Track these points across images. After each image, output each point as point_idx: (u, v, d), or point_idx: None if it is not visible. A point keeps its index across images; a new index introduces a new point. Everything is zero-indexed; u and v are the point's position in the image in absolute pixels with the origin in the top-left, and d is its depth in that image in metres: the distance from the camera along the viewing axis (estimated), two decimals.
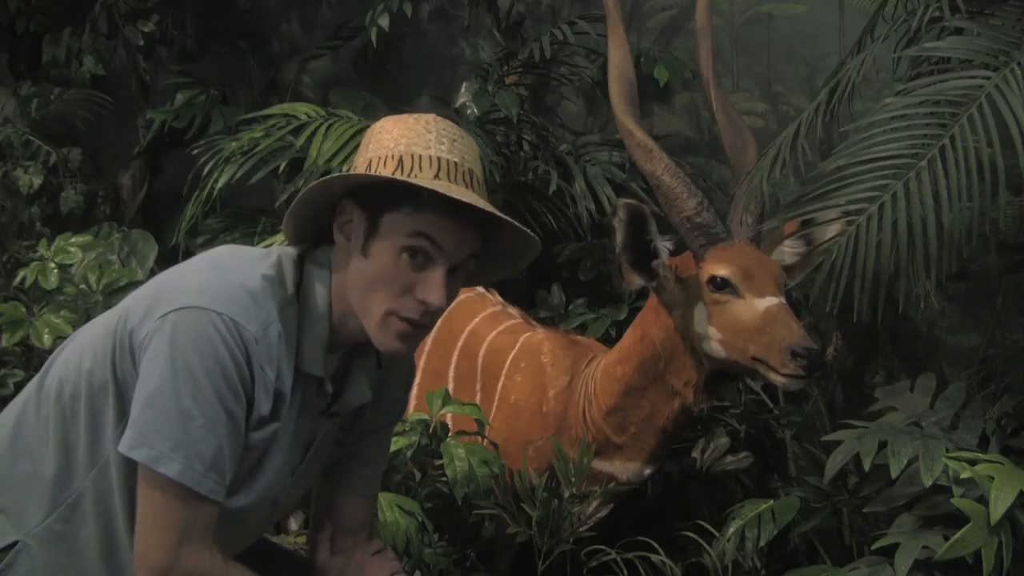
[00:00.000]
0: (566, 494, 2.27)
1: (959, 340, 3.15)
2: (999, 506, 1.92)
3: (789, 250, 2.30)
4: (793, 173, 2.98)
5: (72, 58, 3.89)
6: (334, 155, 2.93)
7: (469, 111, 3.43)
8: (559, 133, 3.51)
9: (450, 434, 2.30)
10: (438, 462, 2.25)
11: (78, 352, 1.49)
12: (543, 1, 3.99)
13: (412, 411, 2.35)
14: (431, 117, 1.49)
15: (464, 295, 2.63)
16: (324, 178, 1.46)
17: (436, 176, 1.41)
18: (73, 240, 3.34)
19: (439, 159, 1.43)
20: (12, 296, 3.16)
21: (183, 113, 3.81)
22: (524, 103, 3.42)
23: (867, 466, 2.13)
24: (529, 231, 1.50)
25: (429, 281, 1.43)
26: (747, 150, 2.42)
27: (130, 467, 1.40)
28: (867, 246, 1.92)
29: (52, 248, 3.27)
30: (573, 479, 2.27)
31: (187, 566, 1.38)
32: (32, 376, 1.66)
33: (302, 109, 3.21)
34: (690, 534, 2.35)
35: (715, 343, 2.18)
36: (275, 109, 3.28)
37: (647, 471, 2.39)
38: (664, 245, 2.22)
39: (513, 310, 2.71)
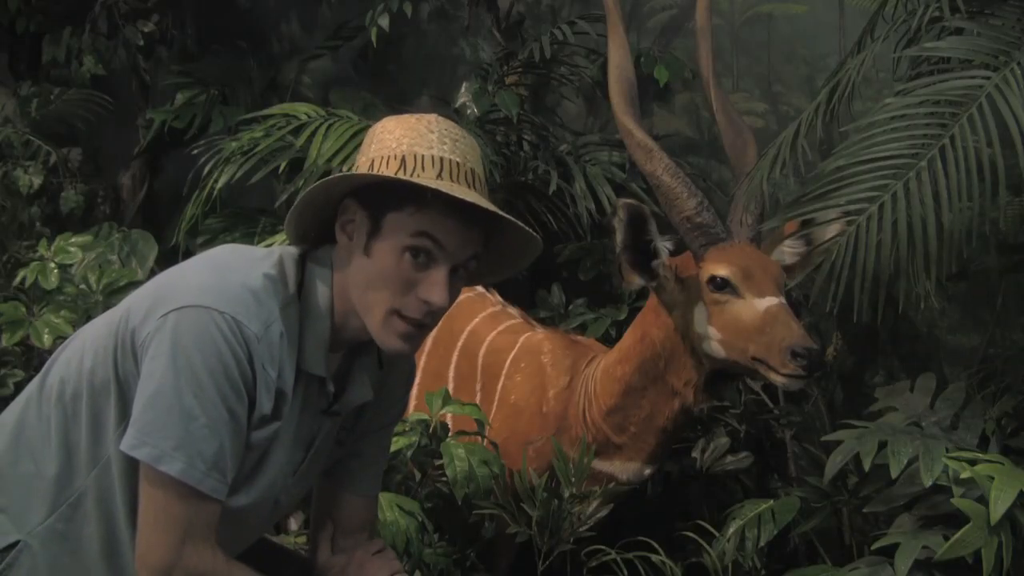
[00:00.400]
0: (566, 494, 2.27)
1: (959, 340, 3.15)
2: (999, 506, 1.92)
3: (789, 250, 2.30)
4: (793, 173, 2.98)
5: (72, 58, 3.89)
6: (334, 155, 2.93)
7: (469, 111, 3.43)
8: (559, 133, 3.51)
9: (450, 434, 2.30)
10: (438, 462, 2.25)
11: (79, 352, 1.49)
12: (543, 1, 3.99)
13: (412, 411, 2.35)
14: (433, 117, 1.49)
15: (464, 295, 2.63)
16: (327, 178, 1.46)
17: (439, 176, 1.42)
18: (73, 240, 3.34)
19: (441, 159, 1.43)
20: (12, 296, 3.16)
21: (183, 113, 3.81)
22: (524, 103, 3.42)
23: (867, 466, 2.13)
24: (530, 230, 1.50)
25: (431, 281, 1.44)
26: (747, 150, 2.42)
27: (132, 466, 1.40)
28: (867, 246, 1.92)
29: (52, 248, 3.27)
30: (573, 479, 2.28)
31: (189, 565, 1.38)
32: (32, 376, 1.66)
33: (302, 109, 3.21)
34: (690, 534, 2.35)
35: (715, 343, 2.18)
36: (275, 109, 3.28)
37: (647, 471, 2.39)
38: (664, 245, 2.22)
39: (513, 310, 2.72)
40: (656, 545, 2.27)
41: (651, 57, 3.51)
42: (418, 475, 2.29)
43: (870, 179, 1.96)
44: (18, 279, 3.18)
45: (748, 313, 2.13)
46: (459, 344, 2.63)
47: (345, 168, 2.71)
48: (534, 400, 2.48)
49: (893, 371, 3.11)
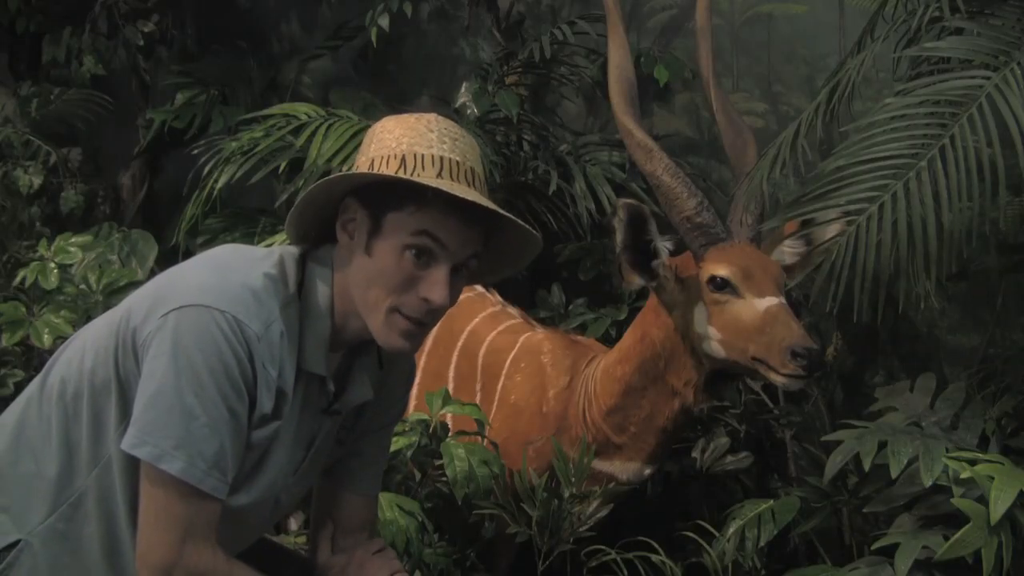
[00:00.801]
0: (566, 494, 2.27)
1: (959, 340, 3.15)
2: (999, 506, 1.92)
3: (789, 250, 2.30)
4: (793, 173, 2.99)
5: (72, 58, 3.89)
6: (334, 155, 2.93)
7: (469, 111, 3.43)
8: (559, 133, 3.51)
9: (450, 434, 2.30)
10: (438, 462, 2.25)
11: (80, 351, 1.49)
12: (543, 1, 3.99)
13: (412, 411, 2.35)
14: (432, 116, 1.49)
15: (464, 295, 2.61)
16: (328, 177, 1.46)
17: (439, 175, 1.42)
18: (73, 240, 3.34)
19: (441, 158, 1.43)
20: (12, 296, 3.16)
21: (183, 113, 3.81)
22: (524, 103, 3.42)
23: (867, 466, 2.13)
24: (530, 229, 1.50)
25: (432, 279, 1.44)
26: (747, 150, 2.42)
27: (133, 465, 1.41)
28: (867, 246, 1.93)
29: (52, 248, 3.27)
30: (573, 479, 2.28)
31: (189, 564, 1.38)
32: (33, 376, 1.66)
33: (302, 109, 3.21)
34: (690, 534, 2.35)
35: (715, 343, 2.18)
36: (275, 109, 3.28)
37: (647, 471, 2.39)
38: (664, 245, 2.23)
39: (513, 310, 2.72)
40: (656, 545, 2.27)
41: (651, 57, 3.51)
42: (418, 475, 2.29)
43: (870, 179, 1.96)
44: (18, 279, 3.18)
45: (748, 313, 2.13)
46: (459, 344, 2.63)
47: (345, 168, 2.70)
48: (534, 400, 2.48)
49: (893, 371, 3.11)
